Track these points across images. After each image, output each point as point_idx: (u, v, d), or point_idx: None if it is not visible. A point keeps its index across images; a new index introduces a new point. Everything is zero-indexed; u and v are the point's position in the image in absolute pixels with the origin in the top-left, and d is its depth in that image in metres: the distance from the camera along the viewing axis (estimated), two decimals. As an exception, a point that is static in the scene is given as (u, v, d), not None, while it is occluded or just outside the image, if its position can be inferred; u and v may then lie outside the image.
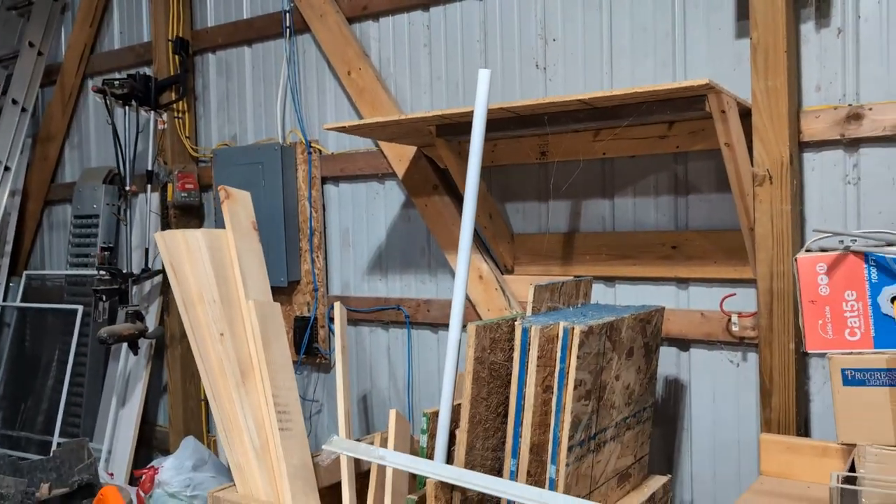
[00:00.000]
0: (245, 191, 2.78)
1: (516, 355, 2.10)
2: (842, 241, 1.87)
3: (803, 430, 2.54)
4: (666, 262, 2.81)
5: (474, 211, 2.29)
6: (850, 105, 2.47)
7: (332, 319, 3.67)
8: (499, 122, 2.61)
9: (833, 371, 1.83)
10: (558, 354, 2.04)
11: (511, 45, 3.15)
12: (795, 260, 1.89)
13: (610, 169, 2.95)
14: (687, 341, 2.81)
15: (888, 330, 1.79)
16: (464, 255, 2.28)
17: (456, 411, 2.32)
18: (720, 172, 2.71)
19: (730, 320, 2.66)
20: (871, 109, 2.42)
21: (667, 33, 2.80)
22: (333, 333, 3.65)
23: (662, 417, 2.86)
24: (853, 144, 2.49)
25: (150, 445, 4.42)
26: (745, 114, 2.46)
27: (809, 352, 1.87)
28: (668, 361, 2.83)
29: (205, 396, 4.08)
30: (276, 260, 3.66)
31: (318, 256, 3.71)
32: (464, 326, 2.25)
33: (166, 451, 4.31)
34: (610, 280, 2.97)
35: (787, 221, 2.44)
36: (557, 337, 2.07)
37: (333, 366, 3.74)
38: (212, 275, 2.54)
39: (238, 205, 2.72)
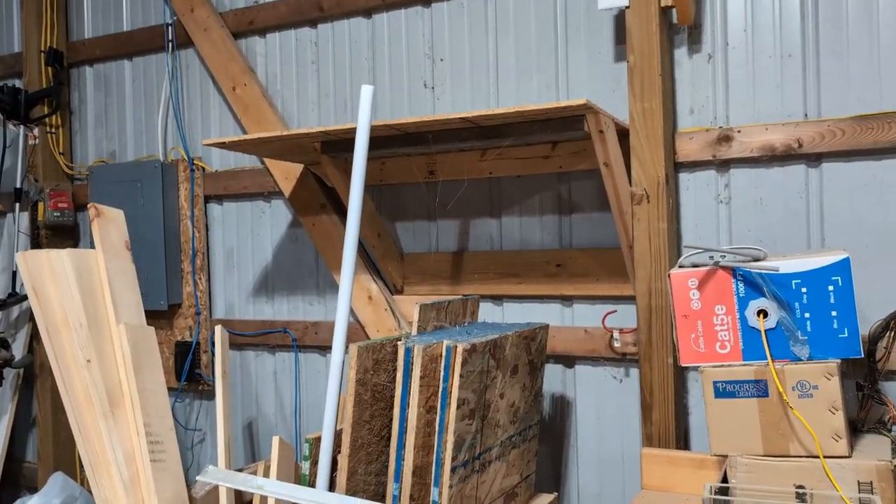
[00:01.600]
0: (118, 209, 2.64)
1: (399, 376, 2.06)
2: (711, 257, 1.93)
3: (683, 443, 2.60)
4: (551, 280, 2.85)
5: (357, 229, 2.24)
6: (720, 127, 2.57)
7: (215, 344, 3.54)
8: (385, 140, 2.58)
9: (705, 383, 1.88)
10: (441, 374, 2.01)
11: (399, 64, 3.14)
12: (669, 276, 1.93)
13: (497, 188, 2.97)
14: (572, 358, 2.85)
15: (756, 342, 1.85)
16: (347, 275, 2.23)
17: (339, 436, 2.25)
18: (601, 191, 2.77)
19: (612, 336, 2.71)
20: (739, 132, 2.53)
21: (549, 55, 2.86)
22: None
23: (550, 434, 2.87)
24: (724, 165, 2.59)
25: (17, 484, 4.12)
26: (624, 134, 2.53)
27: (684, 365, 1.91)
28: (555, 378, 2.86)
29: (78, 428, 3.83)
30: (156, 282, 3.49)
31: (200, 278, 3.56)
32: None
33: (35, 490, 4.02)
34: (497, 298, 2.98)
35: (664, 239, 2.51)
36: (440, 356, 2.05)
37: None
38: (78, 297, 2.38)
39: (110, 223, 2.58)
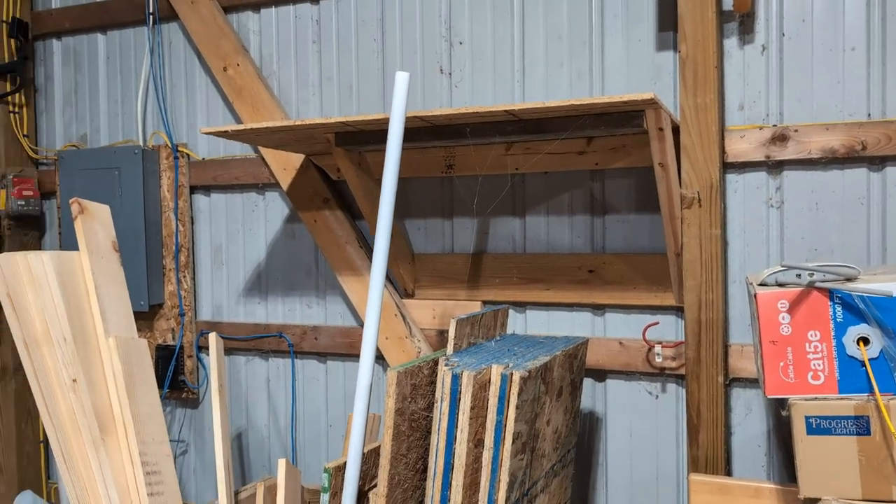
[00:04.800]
0: (103, 204, 2.32)
1: (444, 406, 1.81)
2: (799, 275, 1.72)
3: (727, 465, 2.42)
4: (582, 287, 2.62)
5: (389, 235, 1.98)
6: (775, 126, 2.37)
7: (201, 348, 3.24)
8: (410, 132, 2.31)
9: (796, 418, 1.67)
10: (495, 405, 1.77)
11: (413, 47, 2.86)
12: (755, 297, 1.72)
13: (521, 185, 2.73)
14: (603, 372, 2.63)
15: (854, 373, 1.65)
16: (376, 286, 1.96)
17: (365, 463, 2.00)
18: (640, 192, 2.55)
19: (651, 350, 2.50)
20: (796, 131, 2.33)
21: (583, 42, 2.61)
22: (204, 365, 3.23)
23: (577, 453, 2.66)
24: (777, 167, 2.39)
25: (-26, 496, 3.76)
26: (673, 132, 2.30)
27: (770, 396, 1.70)
28: (583, 394, 2.64)
29: (44, 438, 3.50)
30: (136, 281, 3.17)
31: (184, 276, 3.25)
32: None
33: (-5, 503, 3.68)
34: (520, 305, 2.74)
35: (717, 247, 2.31)
36: (491, 383, 1.80)
37: (202, 401, 3.29)
38: (62, 308, 2.07)
39: (95, 221, 2.26)
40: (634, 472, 2.60)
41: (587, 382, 2.64)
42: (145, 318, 3.28)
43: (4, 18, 3.41)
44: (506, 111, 2.05)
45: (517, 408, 1.74)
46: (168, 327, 3.28)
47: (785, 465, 2.42)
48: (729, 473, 2.44)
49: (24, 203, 3.41)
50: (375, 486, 2.05)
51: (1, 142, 3.45)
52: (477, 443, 1.81)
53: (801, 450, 1.68)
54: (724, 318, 2.35)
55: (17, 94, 3.48)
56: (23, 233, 3.51)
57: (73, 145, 3.48)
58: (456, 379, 1.79)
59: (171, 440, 3.28)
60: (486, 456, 1.77)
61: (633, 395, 2.60)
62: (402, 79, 1.98)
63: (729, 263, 2.44)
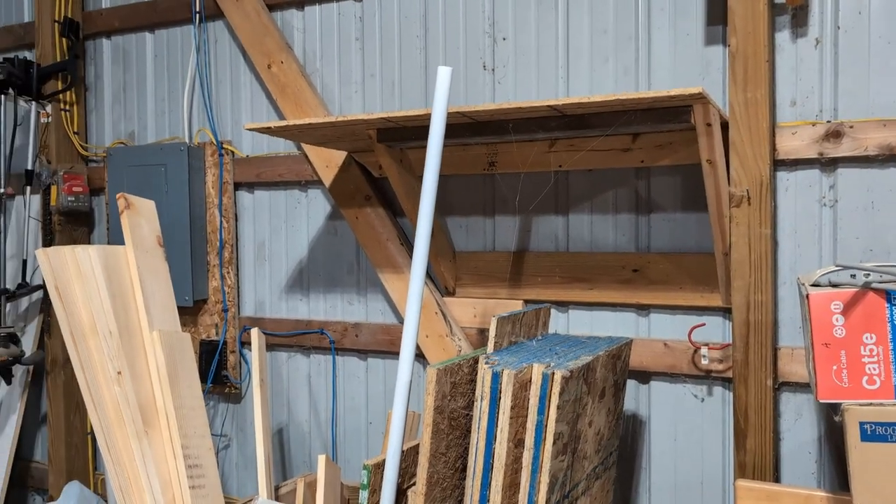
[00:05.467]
0: (149, 199, 2.35)
1: (484, 405, 1.79)
2: (854, 276, 1.65)
3: (774, 472, 2.35)
4: (626, 287, 2.57)
5: (429, 233, 1.97)
6: (828, 122, 2.29)
7: (243, 344, 3.27)
8: (451, 129, 2.29)
9: (849, 424, 1.61)
10: (535, 404, 1.74)
11: (455, 43, 2.84)
12: (807, 297, 1.66)
13: (564, 183, 2.69)
14: (647, 373, 2.58)
15: (912, 378, 1.59)
16: (416, 286, 1.95)
17: (404, 461, 1.99)
18: (686, 190, 2.50)
19: (696, 352, 2.44)
20: (851, 127, 2.25)
21: (629, 37, 2.56)
22: (246, 361, 3.25)
23: (620, 456, 2.61)
24: (831, 164, 2.31)
25: (24, 485, 3.86)
26: (722, 128, 2.24)
27: (822, 401, 1.64)
28: (627, 395, 2.59)
29: (91, 430, 3.56)
30: (181, 276, 3.21)
31: (228, 272, 3.28)
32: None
33: (44, 492, 3.77)
34: (563, 305, 2.70)
35: (767, 247, 2.24)
36: (531, 382, 1.78)
37: (244, 396, 3.32)
38: (108, 301, 2.10)
39: (141, 216, 2.28)
40: (679, 476, 2.54)
41: (630, 384, 2.59)
42: (190, 313, 3.32)
43: (56, 18, 3.48)
44: (549, 106, 2.02)
45: (558, 408, 1.71)
46: (212, 322, 3.32)
47: (837, 474, 2.34)
48: (777, 480, 2.37)
49: (73, 199, 3.48)
50: (414, 483, 2.04)
51: (52, 139, 3.53)
52: (517, 443, 1.79)
53: (855, 457, 1.61)
54: (773, 320, 2.28)
55: (68, 93, 3.55)
56: (73, 228, 3.58)
57: (122, 142, 3.54)
58: (496, 377, 1.77)
59: (213, 434, 3.33)
60: (527, 456, 1.74)
61: (678, 398, 2.54)
62: (444, 73, 1.96)
63: (779, 264, 2.37)
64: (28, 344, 3.58)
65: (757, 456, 2.26)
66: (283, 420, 3.26)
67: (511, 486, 1.78)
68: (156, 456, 2.08)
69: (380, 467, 2.03)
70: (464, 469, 1.95)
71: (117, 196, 2.25)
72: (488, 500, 1.77)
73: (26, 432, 3.82)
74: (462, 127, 2.30)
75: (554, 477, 1.75)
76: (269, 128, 2.42)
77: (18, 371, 3.55)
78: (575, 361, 1.83)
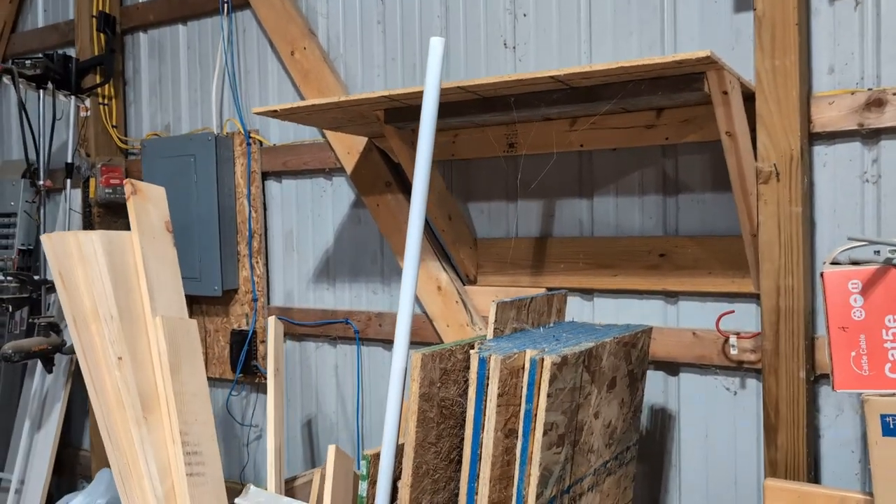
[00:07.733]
0: (160, 186, 2.34)
1: (472, 392, 1.69)
2: (878, 252, 1.48)
3: (812, 472, 2.16)
4: (653, 273, 2.42)
5: (423, 212, 1.87)
6: (869, 90, 2.09)
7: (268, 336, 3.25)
8: (457, 106, 2.20)
9: (869, 416, 1.44)
10: (524, 392, 1.63)
11: (476, 21, 2.74)
12: (822, 275, 1.49)
13: (588, 164, 2.56)
14: (676, 365, 2.42)
15: (941, 366, 1.41)
16: (410, 267, 1.86)
17: (400, 454, 1.90)
18: (716, 169, 2.33)
19: (726, 341, 2.28)
20: (895, 95, 2.04)
21: (654, 9, 2.41)
22: (273, 350, 3.23)
23: (647, 453, 2.46)
24: (873, 136, 2.11)
25: (73, 472, 3.96)
26: (748, 99, 2.07)
27: (838, 390, 1.48)
28: (654, 388, 2.44)
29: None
30: (211, 266, 3.22)
31: (257, 262, 3.27)
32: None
33: (90, 479, 3.85)
34: (587, 293, 2.57)
35: (798, 226, 2.06)
36: (522, 369, 1.67)
37: (275, 386, 3.30)
38: (109, 285, 2.09)
39: (148, 202, 2.28)
40: (711, 473, 2.38)
41: (658, 376, 2.44)
42: (220, 302, 3.33)
43: (94, 13, 3.54)
44: (552, 77, 1.90)
45: (549, 396, 1.60)
46: (242, 312, 3.32)
47: (881, 474, 2.14)
48: (816, 480, 2.19)
49: (111, 191, 3.53)
50: (411, 475, 1.95)
51: (91, 132, 3.60)
52: (508, 433, 1.68)
53: (876, 454, 1.44)
54: (809, 307, 2.10)
55: (106, 87, 3.61)
56: (112, 220, 3.64)
57: (156, 134, 3.58)
58: (483, 363, 1.67)
59: (244, 424, 3.33)
60: (517, 447, 1.63)
61: (709, 391, 2.37)
62: (436, 44, 1.87)
63: (816, 246, 2.18)
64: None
65: (789, 453, 2.08)
66: (312, 411, 3.22)
67: (502, 479, 1.68)
68: (155, 441, 2.07)
69: (377, 457, 1.95)
70: (460, 461, 1.85)
71: (125, 182, 2.25)
72: (476, 493, 1.67)
73: (74, 421, 3.92)
74: (471, 104, 2.21)
75: (547, 469, 1.64)
76: (275, 111, 2.37)
77: (62, 361, 3.63)
78: (571, 348, 1.71)
